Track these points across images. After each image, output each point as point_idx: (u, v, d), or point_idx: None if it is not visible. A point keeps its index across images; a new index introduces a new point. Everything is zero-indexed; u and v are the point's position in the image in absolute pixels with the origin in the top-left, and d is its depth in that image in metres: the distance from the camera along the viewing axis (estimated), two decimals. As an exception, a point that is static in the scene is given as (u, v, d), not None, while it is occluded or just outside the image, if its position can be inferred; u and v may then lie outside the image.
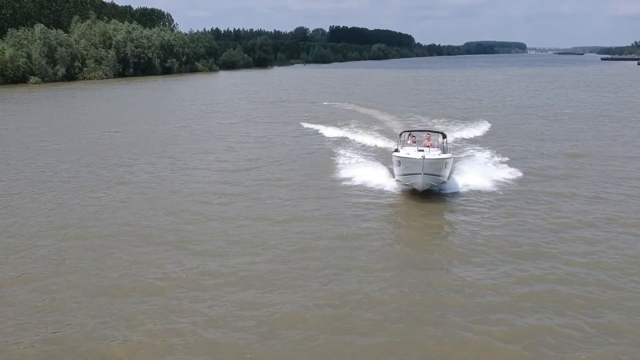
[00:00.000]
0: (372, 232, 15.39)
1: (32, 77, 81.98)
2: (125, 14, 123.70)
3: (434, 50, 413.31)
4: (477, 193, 18.90)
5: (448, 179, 19.42)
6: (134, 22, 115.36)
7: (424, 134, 22.10)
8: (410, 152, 18.97)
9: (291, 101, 56.40)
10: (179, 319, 10.61)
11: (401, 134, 22.32)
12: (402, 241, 15.17)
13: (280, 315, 10.72)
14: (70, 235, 15.39)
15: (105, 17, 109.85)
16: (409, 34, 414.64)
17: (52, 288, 12.05)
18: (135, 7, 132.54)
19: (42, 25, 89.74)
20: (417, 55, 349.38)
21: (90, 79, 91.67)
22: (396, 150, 19.86)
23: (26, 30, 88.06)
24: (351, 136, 31.57)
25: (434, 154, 18.71)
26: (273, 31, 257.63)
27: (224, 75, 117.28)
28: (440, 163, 17.97)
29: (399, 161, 18.25)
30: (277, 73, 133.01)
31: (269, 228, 15.71)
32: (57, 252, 14.09)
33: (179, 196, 19.18)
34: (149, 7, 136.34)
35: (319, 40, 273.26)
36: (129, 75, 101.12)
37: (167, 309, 11.04)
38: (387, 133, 32.27)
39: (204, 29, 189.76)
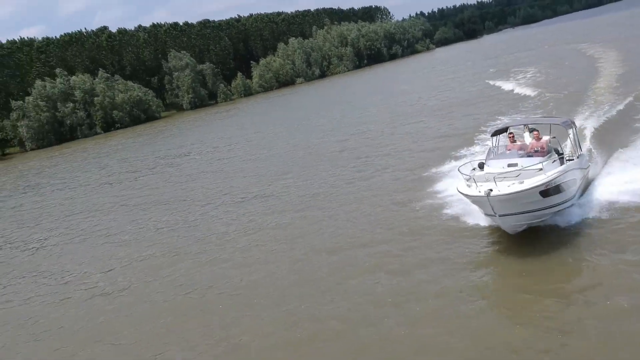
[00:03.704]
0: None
1: (298, 78, 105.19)
2: (350, 14, 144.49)
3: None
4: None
5: (580, 197, 12.49)
6: (359, 20, 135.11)
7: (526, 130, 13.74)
8: (482, 177, 11.22)
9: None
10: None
11: (495, 132, 13.78)
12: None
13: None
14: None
15: (335, 22, 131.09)
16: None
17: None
18: (356, 7, 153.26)
19: (295, 39, 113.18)
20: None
21: (336, 73, 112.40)
22: (480, 166, 12.13)
23: (283, 45, 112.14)
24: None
25: (518, 178, 10.77)
26: (476, 3, 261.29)
27: (441, 51, 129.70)
28: (530, 196, 10.49)
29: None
30: (490, 39, 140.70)
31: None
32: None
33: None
34: (367, 5, 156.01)
35: (524, 1, 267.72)
36: (364, 66, 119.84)
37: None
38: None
39: (409, 16, 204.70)
